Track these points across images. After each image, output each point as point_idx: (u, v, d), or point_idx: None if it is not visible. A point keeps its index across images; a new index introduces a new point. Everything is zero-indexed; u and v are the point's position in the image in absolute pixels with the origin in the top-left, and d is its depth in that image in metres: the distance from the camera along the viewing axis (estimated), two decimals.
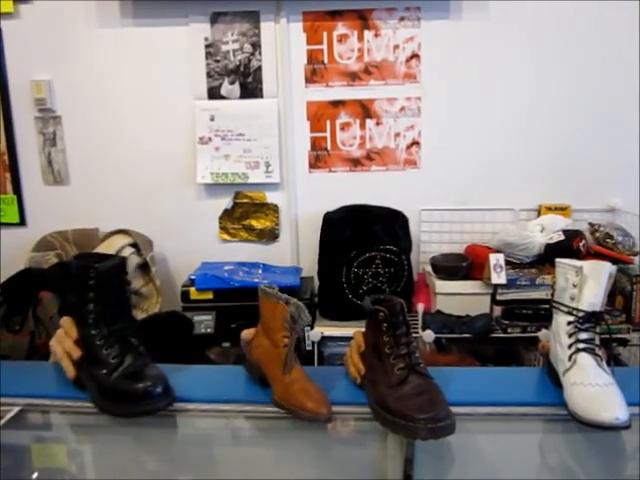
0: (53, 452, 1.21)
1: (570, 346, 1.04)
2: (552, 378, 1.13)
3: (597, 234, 2.33)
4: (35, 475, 1.14)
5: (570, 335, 1.05)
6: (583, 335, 1.04)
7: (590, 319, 1.04)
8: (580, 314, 1.04)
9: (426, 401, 0.98)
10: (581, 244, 2.22)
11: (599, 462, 1.10)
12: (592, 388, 0.99)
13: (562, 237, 2.23)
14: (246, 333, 1.19)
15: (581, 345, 1.03)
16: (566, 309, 1.06)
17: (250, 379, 1.19)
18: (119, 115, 2.51)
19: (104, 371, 1.07)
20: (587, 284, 1.04)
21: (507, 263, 2.24)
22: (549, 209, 2.47)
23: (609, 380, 1.01)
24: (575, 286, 1.05)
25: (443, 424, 0.96)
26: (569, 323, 1.05)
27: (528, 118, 2.46)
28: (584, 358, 1.02)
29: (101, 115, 2.51)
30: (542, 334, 2.12)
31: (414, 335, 2.16)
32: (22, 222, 2.61)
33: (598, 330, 1.05)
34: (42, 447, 1.21)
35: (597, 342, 1.05)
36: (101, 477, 1.10)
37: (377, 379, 1.06)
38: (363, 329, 1.14)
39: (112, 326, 1.08)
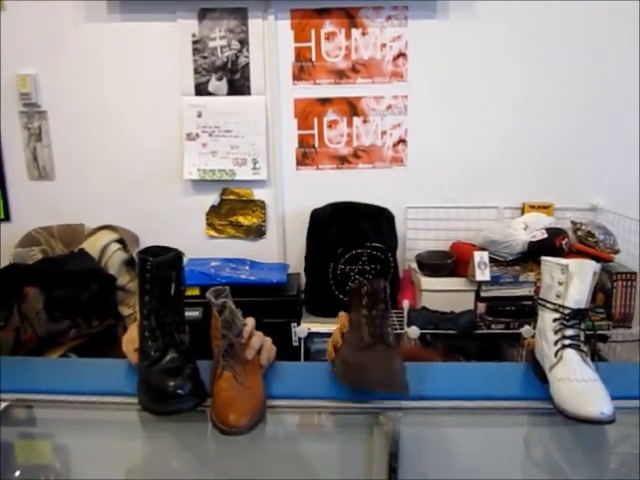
0: (41, 448, 1.21)
1: (556, 342, 1.07)
2: (537, 374, 1.15)
3: (579, 232, 2.37)
4: (19, 472, 1.14)
5: (556, 332, 1.07)
6: (569, 332, 1.06)
7: (576, 316, 1.06)
8: (566, 311, 1.06)
9: (385, 367, 1.02)
10: (564, 242, 2.26)
11: (583, 454, 1.13)
12: (578, 383, 1.02)
13: (545, 235, 2.26)
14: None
15: (567, 341, 1.06)
16: (552, 306, 1.09)
17: None
18: (105, 111, 2.50)
19: (145, 363, 1.08)
20: (573, 282, 1.07)
21: (491, 260, 2.27)
22: (533, 207, 2.50)
23: (594, 375, 1.03)
24: (561, 284, 1.08)
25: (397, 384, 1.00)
26: (555, 320, 1.08)
27: (513, 117, 2.49)
28: (570, 354, 1.05)
29: (87, 110, 2.49)
30: (525, 330, 2.16)
31: (399, 331, 2.20)
32: (6, 217, 2.59)
33: (583, 327, 1.08)
34: (30, 443, 1.21)
35: (582, 338, 1.07)
36: (92, 473, 1.10)
37: (348, 343, 1.10)
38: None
39: (161, 320, 1.08)
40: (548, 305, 1.10)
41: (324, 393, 1.12)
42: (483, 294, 2.29)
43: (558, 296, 1.08)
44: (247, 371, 1.08)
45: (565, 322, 1.06)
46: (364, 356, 1.04)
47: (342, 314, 1.19)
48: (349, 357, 1.06)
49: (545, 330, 1.10)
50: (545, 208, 2.50)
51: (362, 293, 1.10)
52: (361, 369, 1.02)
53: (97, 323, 2.09)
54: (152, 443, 1.19)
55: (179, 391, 1.01)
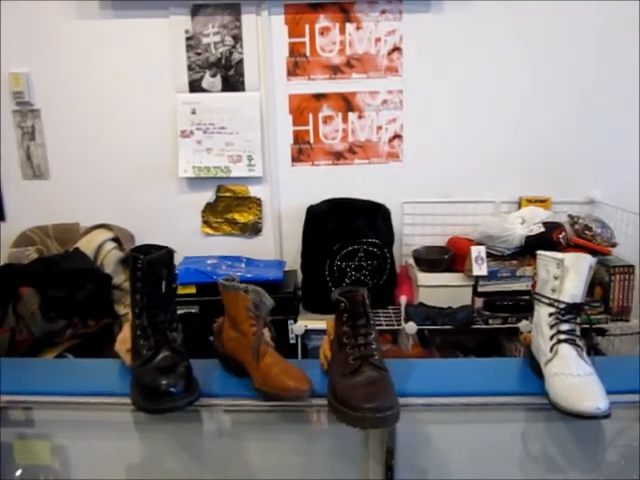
0: (38, 448, 1.20)
1: (552, 337, 1.06)
2: (534, 368, 1.15)
3: (576, 226, 2.36)
4: (19, 472, 1.13)
5: (551, 326, 1.06)
6: (564, 326, 1.05)
7: (571, 310, 1.06)
8: (561, 305, 1.06)
9: (373, 391, 0.99)
10: (561, 236, 2.25)
11: (581, 449, 1.12)
12: (573, 378, 1.01)
13: (542, 229, 2.25)
14: (217, 324, 1.21)
15: (562, 336, 1.05)
16: (548, 301, 1.08)
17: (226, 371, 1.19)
18: (99, 108, 2.48)
19: (138, 362, 1.08)
20: (568, 276, 1.06)
21: (488, 255, 2.26)
22: (529, 201, 2.49)
23: (589, 370, 1.03)
24: (556, 278, 1.07)
25: (385, 415, 0.96)
26: (550, 314, 1.07)
27: (509, 112, 2.47)
28: (565, 349, 1.04)
29: (81, 108, 2.47)
30: (522, 325, 2.15)
31: (397, 327, 2.19)
32: (1, 217, 2.56)
33: (579, 321, 1.07)
34: (25, 444, 1.20)
35: (578, 333, 1.07)
36: (90, 473, 1.10)
37: (335, 368, 1.08)
38: None
39: (153, 318, 1.08)
40: (544, 300, 1.09)
41: (321, 390, 1.11)
42: (480, 289, 2.28)
43: (554, 290, 1.07)
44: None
45: (560, 317, 1.06)
46: (350, 388, 1.01)
47: (330, 322, 1.17)
48: (338, 388, 1.03)
49: (541, 325, 1.09)
50: (542, 202, 2.49)
51: (340, 309, 1.07)
52: (352, 407, 0.98)
53: (93, 323, 2.08)
54: (148, 443, 1.19)
55: (172, 389, 1.01)
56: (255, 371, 1.08)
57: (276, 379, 1.05)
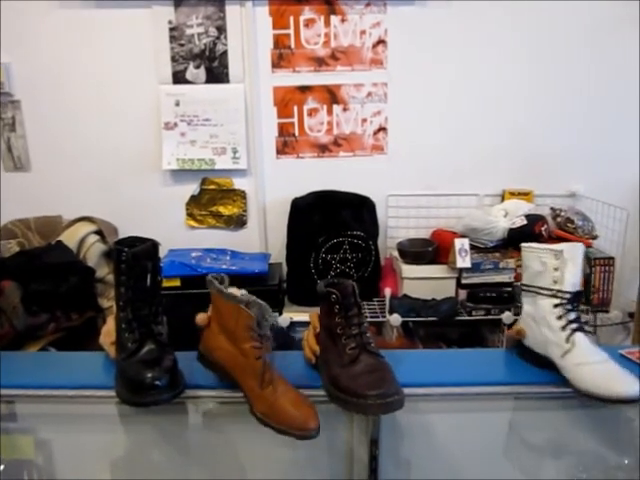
0: (19, 443, 1.20)
1: (564, 328, 1.07)
2: (532, 361, 1.16)
3: (558, 219, 2.39)
4: (2, 467, 1.12)
5: (560, 317, 1.08)
6: (572, 315, 1.07)
7: (575, 299, 1.08)
8: (566, 296, 1.07)
9: (376, 379, 1.01)
10: (543, 228, 2.28)
11: (565, 437, 1.14)
12: (599, 365, 1.03)
13: (525, 222, 2.28)
14: (200, 319, 1.12)
15: (574, 325, 1.07)
16: (549, 292, 1.09)
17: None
18: (81, 99, 2.44)
19: (122, 355, 1.07)
20: (567, 266, 1.08)
21: (472, 247, 2.28)
22: (512, 194, 2.52)
23: (605, 355, 1.06)
24: (556, 269, 1.08)
25: (391, 400, 0.98)
26: (556, 306, 1.08)
27: (493, 105, 2.49)
28: (580, 338, 1.06)
29: (62, 99, 2.43)
30: (505, 316, 2.18)
31: (381, 319, 2.21)
32: None
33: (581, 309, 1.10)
34: (8, 438, 1.19)
35: (583, 320, 1.09)
36: (73, 466, 1.09)
37: (330, 359, 1.09)
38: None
39: (138, 311, 1.07)
40: (543, 292, 1.10)
41: (306, 381, 1.12)
42: (464, 281, 2.30)
43: (555, 282, 1.09)
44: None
45: (569, 306, 1.07)
46: (353, 377, 1.02)
47: (313, 315, 1.17)
48: (341, 379, 1.04)
49: (545, 317, 1.10)
50: (525, 195, 2.52)
51: (332, 300, 1.07)
52: (358, 395, 1.00)
53: (76, 316, 2.06)
54: (133, 435, 1.19)
55: (157, 382, 1.01)
56: (257, 397, 1.01)
57: (283, 413, 0.98)
